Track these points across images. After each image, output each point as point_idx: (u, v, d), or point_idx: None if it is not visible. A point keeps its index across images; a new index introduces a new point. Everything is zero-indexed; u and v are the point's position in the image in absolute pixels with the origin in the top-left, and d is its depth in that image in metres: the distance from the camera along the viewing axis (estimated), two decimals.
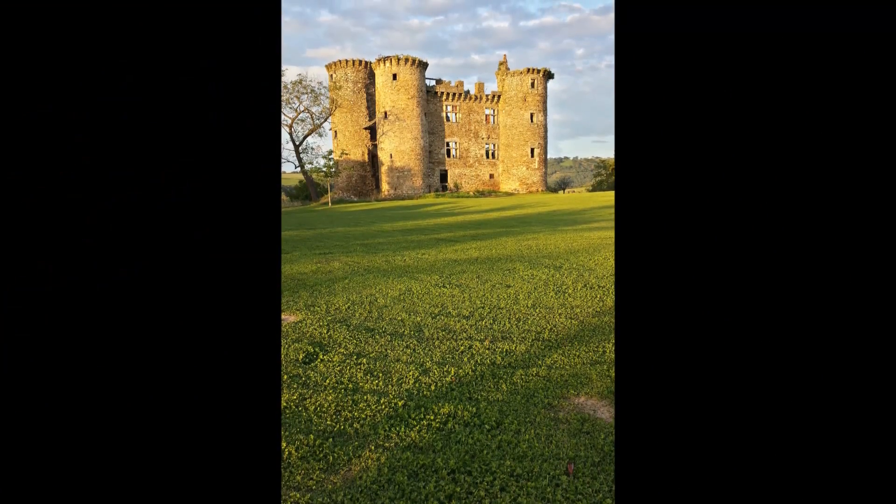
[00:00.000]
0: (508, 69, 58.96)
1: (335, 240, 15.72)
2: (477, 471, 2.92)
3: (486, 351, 4.99)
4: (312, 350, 5.06)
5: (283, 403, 3.88)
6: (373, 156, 57.59)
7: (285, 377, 4.40)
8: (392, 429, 3.45)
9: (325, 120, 58.93)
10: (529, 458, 3.04)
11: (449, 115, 58.33)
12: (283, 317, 6.42)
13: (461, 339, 5.36)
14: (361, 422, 3.57)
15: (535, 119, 58.70)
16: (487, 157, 59.96)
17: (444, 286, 8.02)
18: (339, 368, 4.60)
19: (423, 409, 3.73)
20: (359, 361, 4.76)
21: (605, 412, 3.64)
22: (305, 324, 6.04)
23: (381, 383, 4.25)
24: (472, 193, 55.77)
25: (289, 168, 63.60)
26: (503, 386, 4.14)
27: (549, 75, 59.47)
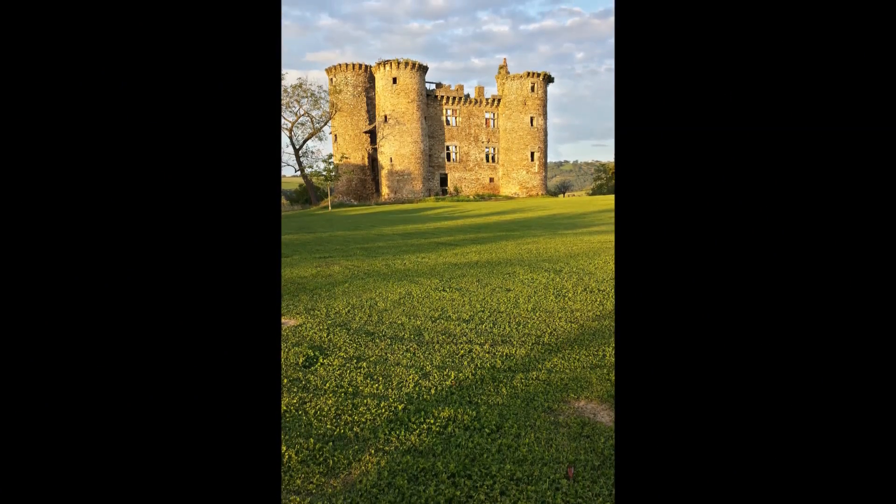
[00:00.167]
0: (508, 73, 59.08)
1: (335, 243, 15.72)
2: (477, 474, 2.92)
3: (487, 354, 4.99)
4: (312, 354, 5.06)
5: (284, 407, 3.88)
6: (373, 159, 57.66)
7: (285, 381, 4.40)
8: (392, 432, 3.45)
9: (325, 124, 59.05)
10: (529, 462, 3.04)
11: (449, 118, 58.41)
12: (283, 320, 6.41)
13: (461, 343, 5.36)
14: (361, 425, 3.57)
15: (535, 123, 58.79)
16: (487, 160, 60.04)
17: (444, 290, 8.03)
18: (339, 372, 4.59)
19: (423, 413, 3.73)
20: (359, 365, 4.76)
21: (605, 416, 3.64)
22: (305, 327, 6.04)
23: (381, 387, 4.25)
24: (472, 197, 55.82)
25: (289, 172, 63.75)
26: (503, 389, 4.14)
27: (549, 79, 59.59)
